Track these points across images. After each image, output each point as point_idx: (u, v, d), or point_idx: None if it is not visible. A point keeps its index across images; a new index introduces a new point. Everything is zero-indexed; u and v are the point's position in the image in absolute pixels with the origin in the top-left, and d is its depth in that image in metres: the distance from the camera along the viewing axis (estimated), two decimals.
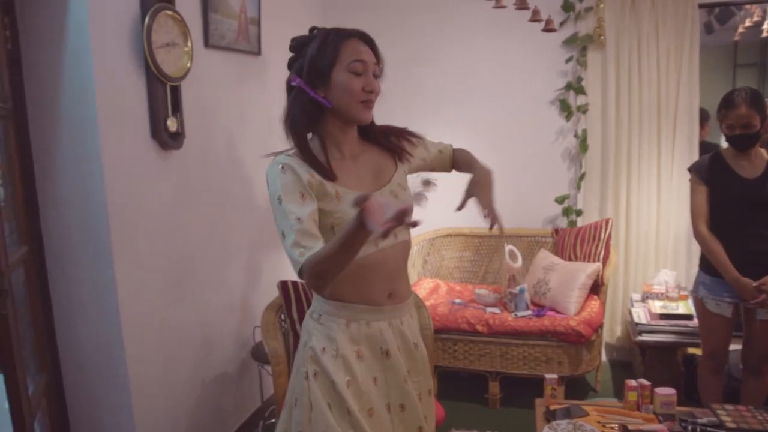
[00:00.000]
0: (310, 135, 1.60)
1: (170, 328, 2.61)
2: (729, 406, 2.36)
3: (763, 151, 2.65)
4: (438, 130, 4.20)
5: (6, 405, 3.14)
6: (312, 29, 1.64)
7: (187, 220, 2.71)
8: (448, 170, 1.93)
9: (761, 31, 4.44)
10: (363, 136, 1.67)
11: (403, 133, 1.75)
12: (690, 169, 2.76)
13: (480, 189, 1.80)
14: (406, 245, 1.68)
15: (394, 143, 1.70)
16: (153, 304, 2.49)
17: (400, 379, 1.63)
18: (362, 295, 1.59)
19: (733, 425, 2.19)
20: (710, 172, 2.67)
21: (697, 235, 2.70)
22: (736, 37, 4.62)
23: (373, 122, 1.65)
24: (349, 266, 1.42)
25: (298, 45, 1.61)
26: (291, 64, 1.62)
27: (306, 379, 1.56)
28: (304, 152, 1.54)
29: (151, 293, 2.48)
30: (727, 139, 2.63)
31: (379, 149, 1.68)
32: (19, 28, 2.16)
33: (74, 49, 2.13)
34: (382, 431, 1.58)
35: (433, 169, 1.87)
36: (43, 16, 2.14)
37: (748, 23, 4.52)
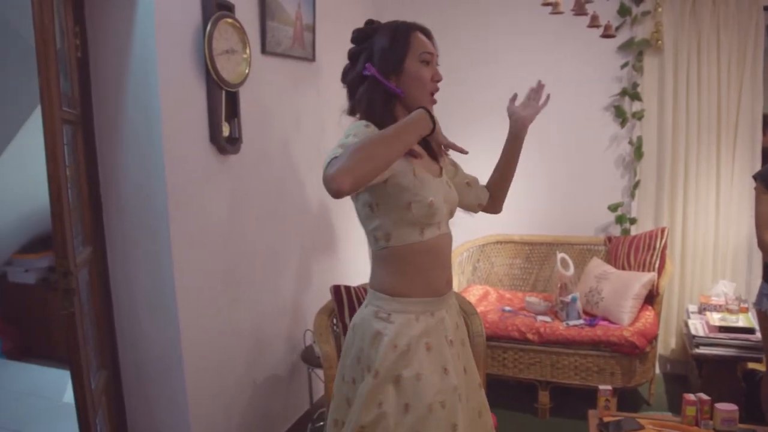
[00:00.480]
0: None
1: (225, 329, 2.66)
2: None
3: None
4: (489, 136, 4.18)
5: (66, 398, 3.26)
6: (369, 22, 1.69)
7: (243, 223, 2.76)
8: (475, 209, 1.95)
9: None
10: None
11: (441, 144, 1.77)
12: (756, 177, 2.65)
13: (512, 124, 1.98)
14: (450, 238, 1.72)
15: (437, 145, 1.71)
16: (209, 305, 2.54)
17: (460, 365, 1.68)
18: (429, 286, 1.63)
19: None
20: None
21: (763, 244, 2.60)
22: None
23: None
24: (415, 256, 1.54)
25: (362, 36, 1.67)
26: (354, 56, 1.67)
27: (365, 375, 1.59)
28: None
29: (208, 294, 2.53)
30: None
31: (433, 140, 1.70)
32: (89, 36, 2.24)
33: (140, 56, 2.20)
34: (452, 420, 1.58)
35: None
36: (112, 25, 2.22)
37: None
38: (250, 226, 2.83)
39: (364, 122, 1.54)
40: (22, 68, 3.10)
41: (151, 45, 2.17)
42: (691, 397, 2.35)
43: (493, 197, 1.96)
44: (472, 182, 1.90)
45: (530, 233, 4.14)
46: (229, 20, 2.51)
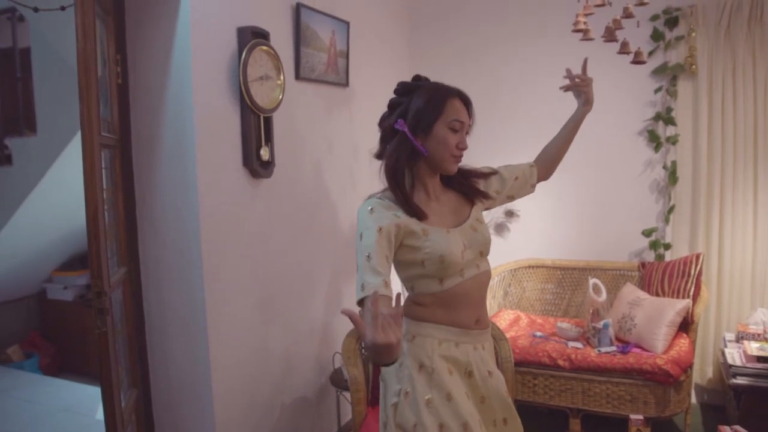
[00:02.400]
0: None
1: (255, 350, 2.69)
2: None
3: None
4: (521, 155, 4.16)
5: (98, 416, 3.31)
6: (416, 78, 1.78)
7: (274, 245, 2.81)
8: (532, 190, 2.05)
9: None
10: (443, 178, 1.81)
11: (476, 174, 1.88)
12: None
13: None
14: (488, 274, 1.81)
15: (469, 186, 1.83)
16: (240, 326, 2.58)
17: (477, 399, 1.74)
18: (452, 319, 1.71)
19: None
20: None
21: None
22: None
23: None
24: (438, 302, 1.65)
25: (404, 90, 1.75)
26: (393, 107, 1.76)
27: (398, 397, 1.66)
28: (399, 194, 1.67)
29: (238, 316, 2.57)
30: None
31: (458, 190, 1.83)
32: (129, 63, 2.33)
33: (176, 83, 2.28)
34: None
35: (513, 197, 1.99)
36: (151, 53, 2.31)
37: None
38: (282, 248, 2.87)
39: (369, 206, 1.63)
40: (64, 91, 3.22)
41: (187, 72, 2.24)
42: (726, 429, 2.28)
43: (547, 164, 2.10)
44: (520, 175, 1.99)
45: (562, 258, 4.10)
46: (264, 48, 2.58)
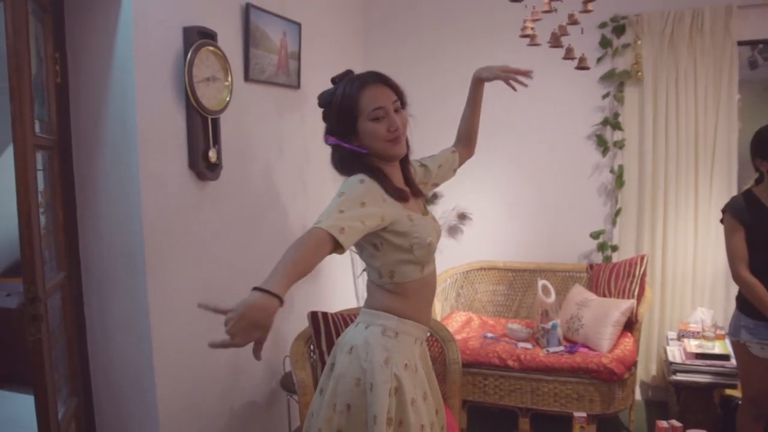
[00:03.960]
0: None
1: (201, 355, 2.65)
2: None
3: None
4: (473, 161, 4.20)
5: (35, 426, 3.20)
6: (333, 80, 1.75)
7: (221, 248, 2.77)
8: (453, 174, 2.14)
9: None
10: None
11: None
12: (726, 210, 2.64)
13: (483, 73, 2.21)
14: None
15: (410, 179, 1.83)
16: (185, 331, 2.53)
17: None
18: (423, 315, 1.75)
19: None
20: (749, 213, 2.56)
21: (739, 279, 2.58)
22: None
23: (407, 155, 1.79)
24: (416, 291, 1.70)
25: (324, 101, 1.74)
26: (325, 117, 1.76)
27: (390, 396, 1.61)
28: (378, 176, 1.65)
29: (184, 320, 2.53)
30: None
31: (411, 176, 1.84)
32: (69, 62, 2.27)
33: (119, 82, 2.23)
34: None
35: (437, 184, 2.05)
36: (92, 51, 2.26)
37: None
38: (230, 251, 2.83)
39: (360, 178, 1.62)
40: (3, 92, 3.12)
41: (130, 72, 2.20)
42: (663, 424, 2.34)
43: (466, 141, 2.21)
44: (443, 162, 2.05)
45: (514, 260, 4.16)
46: (211, 48, 2.54)
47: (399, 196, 1.66)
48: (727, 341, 3.29)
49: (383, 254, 1.66)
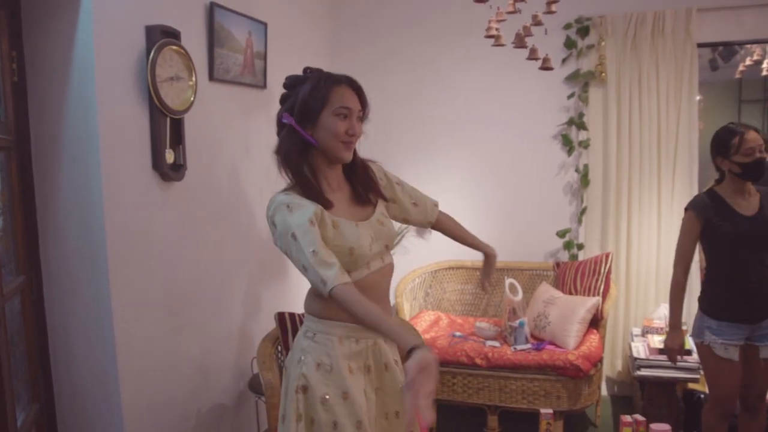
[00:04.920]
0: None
1: (167, 357, 2.62)
2: None
3: (752, 187, 2.64)
4: (440, 160, 4.27)
5: None
6: (306, 69, 1.77)
7: (187, 250, 2.74)
8: (425, 227, 2.05)
9: (761, 70, 4.49)
10: (346, 172, 1.81)
11: (371, 173, 1.87)
12: (689, 209, 2.66)
13: (489, 269, 2.10)
14: (391, 267, 1.85)
15: (368, 180, 1.83)
16: (150, 333, 2.50)
17: (373, 393, 1.77)
18: None
19: None
20: (713, 211, 2.59)
21: (676, 280, 2.69)
22: (737, 75, 4.66)
23: (356, 157, 1.78)
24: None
25: (291, 83, 1.75)
26: (283, 100, 1.76)
27: (296, 393, 1.68)
28: (301, 181, 1.68)
29: (149, 323, 2.49)
30: (746, 168, 2.52)
31: (360, 185, 1.82)
32: (26, 60, 2.22)
33: (79, 81, 2.19)
34: None
35: (406, 220, 2.00)
36: (50, 50, 2.21)
37: (748, 62, 4.56)
38: (196, 252, 2.80)
39: (284, 204, 1.62)
40: None
41: (91, 71, 2.16)
42: (627, 418, 2.40)
43: (441, 231, 2.11)
44: (419, 203, 1.98)
45: (480, 259, 4.17)
46: (175, 47, 2.51)
47: (322, 203, 1.67)
48: (690, 338, 3.36)
49: None
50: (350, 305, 1.52)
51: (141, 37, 2.40)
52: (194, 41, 2.75)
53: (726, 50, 4.51)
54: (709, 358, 2.64)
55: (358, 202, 1.79)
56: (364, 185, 1.81)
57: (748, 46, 4.35)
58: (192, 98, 2.62)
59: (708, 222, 2.59)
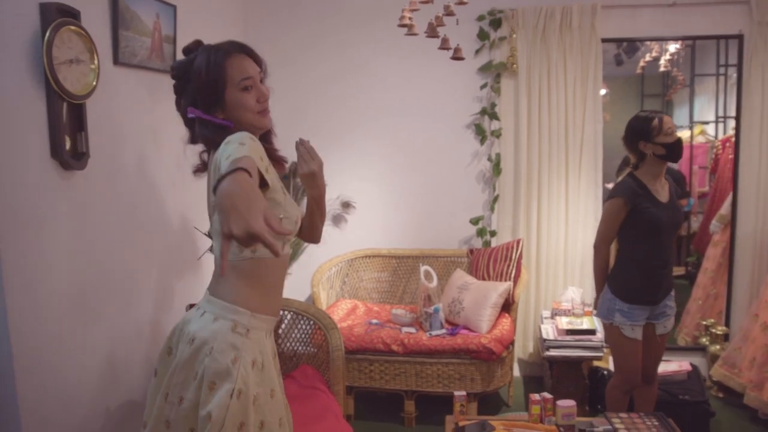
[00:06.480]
0: None
1: (71, 354, 2.50)
2: (623, 414, 2.50)
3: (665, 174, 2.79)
4: (357, 149, 4.27)
5: None
6: (184, 49, 1.67)
7: (92, 242, 2.62)
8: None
9: (659, 66, 4.77)
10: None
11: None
12: (619, 195, 2.71)
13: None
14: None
15: (275, 152, 1.75)
16: (51, 330, 2.38)
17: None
18: (276, 304, 1.66)
19: None
20: (640, 198, 2.69)
21: (599, 250, 2.81)
22: (638, 71, 4.93)
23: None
24: (274, 270, 1.58)
25: (180, 71, 1.64)
26: (179, 91, 1.66)
27: (230, 397, 1.51)
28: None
29: (50, 319, 2.37)
30: (669, 148, 2.64)
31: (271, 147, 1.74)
32: None
33: None
34: None
35: None
36: None
37: (648, 58, 4.82)
38: (101, 244, 2.68)
39: (246, 134, 1.47)
40: None
41: None
42: (535, 396, 2.50)
43: (307, 232, 1.91)
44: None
45: (397, 247, 4.24)
46: (74, 28, 2.38)
47: (278, 161, 1.61)
48: (595, 318, 3.54)
49: None
50: (243, 189, 1.19)
51: (34, 16, 2.25)
52: (96, 22, 2.61)
53: (629, 46, 4.73)
54: (617, 338, 2.79)
55: (277, 167, 1.70)
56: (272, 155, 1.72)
57: (648, 42, 4.59)
58: (94, 82, 2.50)
59: (635, 208, 2.69)
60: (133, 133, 2.92)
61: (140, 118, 2.99)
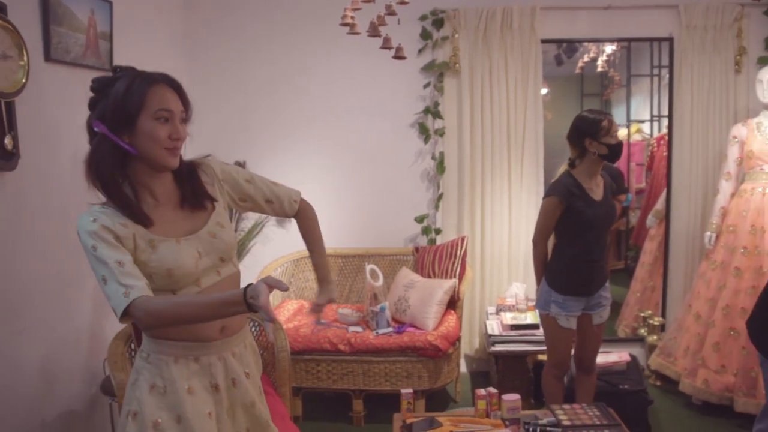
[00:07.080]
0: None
1: (4, 365, 2.40)
2: (566, 405, 2.57)
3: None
4: (302, 149, 4.24)
5: None
6: (115, 69, 1.57)
7: (23, 246, 2.51)
8: (289, 217, 1.89)
9: (597, 66, 4.91)
10: (176, 179, 1.63)
11: (198, 175, 1.67)
12: (554, 194, 2.79)
13: (322, 300, 1.83)
14: (234, 278, 1.68)
15: (198, 187, 1.65)
16: None
17: (224, 413, 1.64)
18: (191, 333, 1.56)
19: (568, 423, 2.41)
20: (575, 197, 2.76)
21: (537, 247, 2.89)
22: (577, 71, 5.06)
23: (181, 162, 1.61)
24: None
25: (100, 86, 1.54)
26: (92, 105, 1.56)
27: (126, 418, 1.55)
28: (115, 198, 1.50)
29: None
30: (612, 149, 2.73)
31: (190, 191, 1.64)
32: None
33: None
34: None
35: (264, 212, 1.85)
36: None
37: (586, 58, 4.96)
38: (32, 249, 2.58)
39: (91, 216, 1.48)
40: None
41: None
42: (481, 391, 2.53)
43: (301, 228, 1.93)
44: (274, 200, 1.81)
45: (343, 246, 4.23)
46: (0, 21, 2.28)
47: (140, 220, 1.51)
48: (538, 313, 3.61)
49: None
50: (160, 312, 1.41)
51: None
52: (25, 16, 2.51)
53: (569, 47, 4.86)
54: (551, 328, 2.90)
55: (191, 209, 1.62)
56: (194, 191, 1.63)
57: (586, 43, 4.72)
58: (24, 79, 2.40)
59: (570, 206, 2.77)
60: (68, 132, 2.82)
61: (75, 117, 2.86)
